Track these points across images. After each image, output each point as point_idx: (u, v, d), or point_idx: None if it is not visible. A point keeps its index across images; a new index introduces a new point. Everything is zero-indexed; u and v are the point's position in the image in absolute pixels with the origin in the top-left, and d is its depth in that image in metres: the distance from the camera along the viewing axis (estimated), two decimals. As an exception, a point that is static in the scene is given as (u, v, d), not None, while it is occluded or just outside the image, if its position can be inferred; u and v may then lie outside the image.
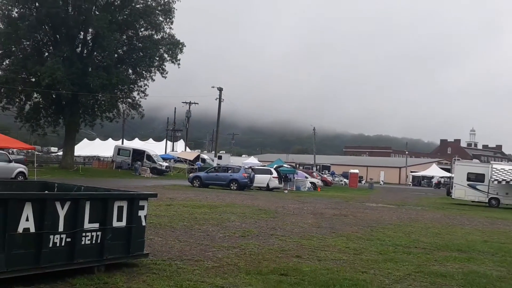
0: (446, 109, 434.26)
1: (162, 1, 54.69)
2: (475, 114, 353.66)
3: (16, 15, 50.73)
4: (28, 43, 52.31)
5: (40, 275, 7.72)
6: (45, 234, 7.71)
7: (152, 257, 10.02)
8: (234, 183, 39.68)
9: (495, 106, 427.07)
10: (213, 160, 64.76)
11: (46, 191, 10.41)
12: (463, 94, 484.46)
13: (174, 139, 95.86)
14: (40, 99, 53.11)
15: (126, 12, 53.99)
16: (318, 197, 37.96)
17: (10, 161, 33.78)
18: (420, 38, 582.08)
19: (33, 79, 50.62)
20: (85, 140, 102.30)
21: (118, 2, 54.08)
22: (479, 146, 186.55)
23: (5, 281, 7.24)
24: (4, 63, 51.26)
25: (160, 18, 54.82)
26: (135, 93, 55.73)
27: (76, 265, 8.21)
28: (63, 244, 8.00)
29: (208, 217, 18.35)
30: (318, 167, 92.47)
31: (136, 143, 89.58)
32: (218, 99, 65.53)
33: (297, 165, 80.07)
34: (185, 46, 55.72)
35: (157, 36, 55.18)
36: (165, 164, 63.09)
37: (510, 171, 41.08)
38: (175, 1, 54.98)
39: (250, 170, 43.29)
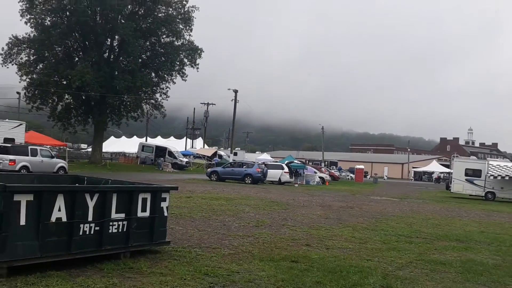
0: (445, 109, 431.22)
1: (182, 10, 54.75)
2: (473, 114, 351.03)
3: (49, 23, 51.00)
4: (59, 49, 52.58)
5: (71, 261, 7.78)
6: (76, 223, 7.76)
7: (173, 245, 10.05)
8: (248, 177, 39.68)
9: (491, 106, 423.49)
10: (229, 156, 64.73)
11: (77, 184, 10.48)
12: (461, 95, 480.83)
13: (193, 137, 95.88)
14: (71, 100, 53.37)
15: (149, 21, 54.13)
16: (326, 191, 37.87)
17: (52, 157, 34.09)
18: (420, 39, 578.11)
19: (65, 82, 50.85)
20: (112, 137, 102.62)
21: (142, 11, 54.26)
22: (477, 144, 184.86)
23: (40, 266, 7.31)
24: (38, 67, 51.54)
25: (180, 26, 54.88)
26: (157, 95, 55.87)
27: (104, 251, 8.26)
28: (92, 232, 8.05)
29: (224, 208, 18.38)
30: (326, 163, 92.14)
31: (158, 141, 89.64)
32: (233, 100, 65.57)
33: (307, 161, 79.74)
34: (203, 51, 55.79)
35: (177, 42, 55.25)
36: (185, 159, 63.15)
37: (505, 167, 40.78)
38: (194, 10, 55.11)
39: (263, 165, 43.28)
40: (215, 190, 28.32)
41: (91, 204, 8.04)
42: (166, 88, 55.79)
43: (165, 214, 9.48)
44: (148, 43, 55.41)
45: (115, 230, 8.43)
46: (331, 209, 21.53)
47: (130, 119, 55.93)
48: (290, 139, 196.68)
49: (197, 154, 72.51)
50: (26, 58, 50.70)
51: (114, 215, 8.39)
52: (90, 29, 50.57)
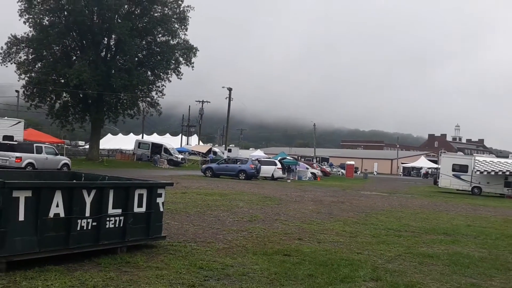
0: (434, 107, 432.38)
1: (178, 10, 54.70)
2: (460, 111, 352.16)
3: (47, 23, 50.84)
4: (57, 48, 52.43)
5: (69, 255, 7.76)
6: (74, 219, 7.73)
7: (169, 239, 10.04)
8: (242, 173, 39.68)
9: (478, 104, 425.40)
10: (223, 153, 64.69)
11: (74, 180, 10.44)
12: (449, 93, 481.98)
13: (188, 134, 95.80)
14: (69, 98, 53.24)
15: (145, 20, 54.05)
16: (317, 186, 37.92)
17: (56, 154, 34.39)
18: (410, 41, 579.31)
19: (62, 80, 50.71)
20: (109, 134, 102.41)
21: (138, 11, 54.16)
22: (463, 140, 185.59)
23: (38, 261, 7.29)
24: (36, 66, 51.39)
25: (176, 25, 54.85)
26: (153, 93, 55.89)
27: (101, 246, 8.24)
28: (89, 227, 8.03)
29: (219, 203, 18.37)
30: (318, 159, 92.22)
31: (154, 138, 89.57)
32: (228, 98, 65.42)
33: (299, 157, 79.78)
34: (198, 50, 55.81)
35: (173, 41, 55.21)
36: (180, 156, 63.11)
37: (491, 162, 41.02)
38: (189, 10, 55.07)
39: (256, 161, 43.31)
40: (209, 186, 28.30)
41: (88, 200, 8.01)
42: (162, 86, 55.88)
43: (161, 209, 9.46)
44: (144, 42, 55.35)
45: (112, 226, 8.41)
46: (323, 204, 21.56)
47: (127, 116, 55.89)
48: (283, 136, 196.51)
49: (192, 150, 72.48)
50: (25, 57, 50.61)
51: (111, 210, 8.37)
52: (88, 29, 50.44)
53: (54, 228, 7.51)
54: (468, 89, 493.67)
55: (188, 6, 54.92)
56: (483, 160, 41.88)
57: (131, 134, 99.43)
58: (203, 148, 75.36)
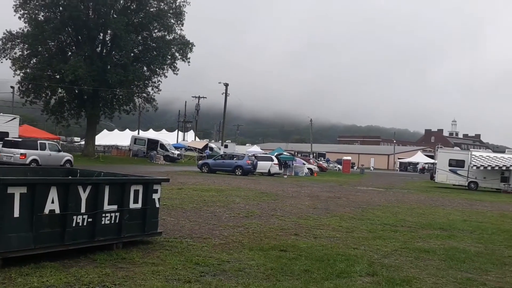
0: (430, 102, 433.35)
1: (174, 5, 54.47)
2: (457, 107, 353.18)
3: (42, 18, 50.57)
4: (53, 43, 52.18)
5: (65, 252, 7.75)
6: (69, 215, 7.72)
7: (165, 235, 10.04)
8: (239, 169, 39.68)
9: (474, 99, 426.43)
10: (220, 149, 64.70)
11: (70, 177, 10.42)
12: (446, 89, 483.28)
13: (184, 130, 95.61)
14: (64, 94, 53.05)
15: (141, 15, 53.81)
16: (314, 182, 37.96)
17: (59, 151, 34.67)
18: (408, 37, 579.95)
19: (58, 76, 50.51)
20: (105, 130, 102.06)
21: (134, 6, 53.92)
22: (460, 135, 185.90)
23: (34, 257, 7.28)
24: (31, 62, 51.17)
25: (172, 21, 54.65)
26: (149, 88, 55.67)
27: (97, 242, 8.24)
28: (85, 224, 8.02)
29: (215, 199, 18.37)
30: (314, 154, 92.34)
31: (150, 133, 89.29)
32: (224, 94, 65.42)
33: (296, 153, 79.87)
34: (194, 46, 55.66)
35: (169, 37, 55.00)
36: (176, 152, 63.03)
37: (487, 157, 41.12)
38: (185, 5, 54.86)
39: (253, 157, 43.28)
40: (206, 181, 28.30)
41: (84, 196, 8.00)
42: (158, 82, 55.65)
43: (157, 205, 9.46)
44: (140, 38, 55.12)
45: (108, 222, 8.41)
46: (319, 200, 21.59)
47: (123, 112, 55.74)
48: (280, 132, 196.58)
49: (188, 146, 72.34)
50: (20, 52, 50.38)
51: (106, 206, 8.36)
52: (83, 24, 50.20)
53: (50, 225, 7.50)
54: (465, 85, 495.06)
55: (184, 1, 54.71)
56: (480, 155, 41.98)
57: (127, 130, 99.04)
58: (200, 144, 75.22)
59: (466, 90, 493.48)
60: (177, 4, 54.45)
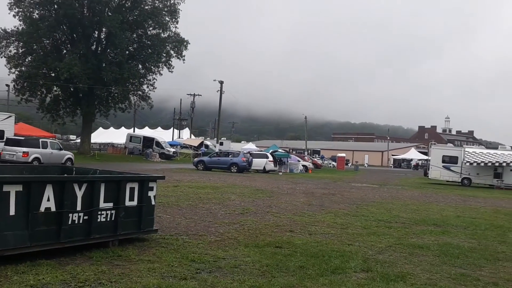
0: (424, 99, 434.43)
1: (168, 3, 54.36)
2: (450, 103, 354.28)
3: (37, 16, 50.38)
4: (48, 41, 52.00)
5: (61, 249, 7.73)
6: (65, 213, 7.69)
7: (161, 233, 10.02)
8: (234, 166, 39.68)
9: (467, 96, 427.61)
10: (215, 146, 64.60)
11: (65, 174, 10.39)
12: (439, 86, 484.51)
13: (180, 127, 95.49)
14: (60, 92, 52.89)
15: (136, 13, 53.68)
16: (309, 178, 38.00)
17: (60, 149, 35.13)
18: (401, 34, 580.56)
19: (53, 74, 50.38)
20: (100, 128, 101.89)
21: (129, 4, 53.78)
22: (453, 132, 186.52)
23: (30, 255, 7.25)
24: (26, 60, 51.00)
25: (167, 18, 54.55)
26: (144, 86, 55.58)
27: (93, 240, 8.21)
28: (81, 221, 7.99)
29: (211, 196, 18.36)
30: (309, 151, 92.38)
31: (146, 131, 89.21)
32: (219, 91, 65.29)
33: (291, 150, 79.84)
34: (189, 43, 55.57)
35: (164, 34, 54.92)
36: (172, 149, 62.92)
37: (481, 154, 41.24)
38: (180, 3, 54.75)
39: (248, 154, 43.29)
40: (201, 179, 28.28)
41: (79, 193, 7.97)
42: (153, 80, 55.59)
43: (153, 203, 9.44)
44: (135, 35, 55.02)
45: (104, 219, 8.38)
46: (314, 196, 21.61)
47: (118, 110, 55.63)
48: (275, 129, 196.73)
49: (184, 144, 72.28)
50: (15, 51, 50.20)
51: (102, 204, 8.33)
52: (78, 22, 50.04)
53: (45, 222, 7.47)
54: (459, 82, 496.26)
55: (178, -1, 54.62)
56: (473, 152, 42.12)
57: (123, 127, 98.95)
58: (195, 141, 75.20)
59: (460, 87, 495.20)
60: (172, 2, 54.36)
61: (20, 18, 49.21)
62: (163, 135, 77.18)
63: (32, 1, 49.61)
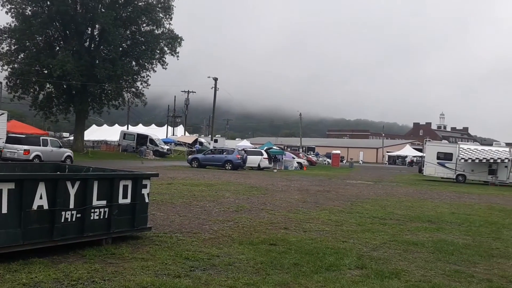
0: (418, 96, 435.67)
1: (162, -1, 54.20)
2: (445, 100, 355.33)
3: (30, 13, 50.09)
4: (40, 38, 51.71)
5: (54, 248, 7.71)
6: (58, 211, 7.67)
7: (154, 230, 10.02)
8: (228, 163, 39.67)
9: (462, 93, 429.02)
10: (209, 143, 64.54)
11: (58, 172, 10.35)
12: (434, 83, 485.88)
13: (174, 125, 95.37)
14: (52, 89, 52.64)
15: (129, 9, 53.46)
16: (304, 176, 38.03)
17: (60, 147, 35.64)
18: (397, 31, 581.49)
19: (46, 71, 50.11)
20: (94, 126, 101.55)
21: (122, 0, 53.53)
22: (448, 129, 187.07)
23: (22, 253, 7.23)
24: (19, 57, 50.71)
25: (160, 15, 54.36)
26: (138, 83, 55.37)
27: (86, 238, 8.19)
28: (73, 219, 7.97)
29: (205, 194, 18.35)
30: (304, 148, 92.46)
31: (140, 128, 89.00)
32: (213, 88, 65.27)
33: (285, 147, 79.87)
34: (183, 40, 55.39)
35: (157, 31, 54.72)
36: (166, 147, 62.84)
37: (475, 150, 41.37)
38: (173, -1, 54.57)
39: (243, 152, 43.28)
40: (196, 176, 28.26)
41: (72, 191, 7.95)
42: (146, 77, 55.39)
43: (146, 200, 9.42)
44: (128, 32, 54.82)
45: (97, 217, 8.36)
46: (309, 193, 21.64)
47: (111, 107, 55.47)
48: (269, 126, 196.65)
49: (178, 141, 72.19)
50: (7, 47, 49.89)
51: (95, 202, 8.31)
52: (71, 18, 49.79)
53: (38, 220, 7.44)
54: (453, 79, 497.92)
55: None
56: (468, 148, 42.24)
57: (116, 125, 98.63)
58: (189, 138, 75.09)
59: (454, 84, 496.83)
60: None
61: (13, 14, 48.91)
62: (157, 133, 77.09)
63: (24, -2, 49.34)
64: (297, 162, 52.74)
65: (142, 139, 61.56)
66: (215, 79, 64.86)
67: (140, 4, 53.49)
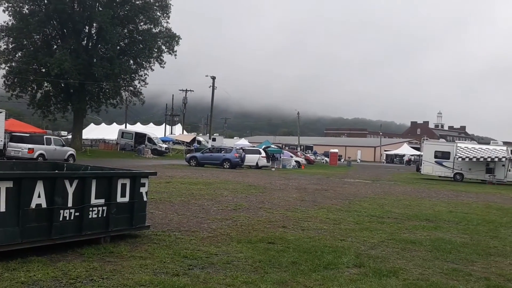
0: (416, 95, 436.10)
1: (159, -2, 54.13)
2: (442, 99, 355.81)
3: (27, 11, 50.04)
4: (38, 37, 51.63)
5: (52, 246, 7.70)
6: (56, 209, 7.66)
7: (153, 229, 10.01)
8: (226, 162, 39.66)
9: (459, 92, 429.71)
10: (207, 142, 64.55)
11: (56, 171, 10.34)
12: (431, 81, 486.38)
13: (172, 123, 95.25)
14: (50, 88, 52.56)
15: (127, 8, 53.42)
16: (302, 174, 38.05)
17: (63, 145, 35.80)
18: (393, 30, 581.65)
19: (43, 70, 50.06)
20: (92, 124, 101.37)
21: (119, -1, 53.49)
22: (445, 127, 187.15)
23: (21, 252, 7.22)
24: (17, 56, 50.65)
25: (158, 13, 54.33)
26: (136, 82, 55.38)
27: (84, 236, 8.19)
28: (72, 218, 7.96)
29: (203, 192, 18.35)
30: (302, 147, 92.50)
31: (138, 127, 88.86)
32: (211, 87, 65.22)
33: (283, 146, 79.91)
34: (181, 39, 55.42)
35: (155, 29, 54.70)
36: (164, 145, 62.80)
37: (473, 149, 41.43)
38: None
39: (241, 150, 43.28)
40: (194, 175, 28.25)
41: (70, 190, 7.94)
42: (144, 75, 55.41)
43: (145, 199, 9.41)
44: (126, 31, 54.76)
45: (95, 216, 8.35)
46: (307, 192, 21.65)
47: (109, 106, 55.43)
48: (267, 125, 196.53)
49: (176, 140, 72.12)
50: (5, 46, 49.83)
51: (93, 200, 8.31)
52: (68, 17, 49.74)
53: (36, 219, 7.44)
54: (450, 78, 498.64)
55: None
56: (465, 147, 42.30)
57: (114, 123, 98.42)
58: (187, 137, 75.00)
59: (452, 83, 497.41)
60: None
61: (10, 13, 48.83)
62: (155, 131, 76.99)
63: (22, -4, 49.25)
64: (295, 161, 52.74)
65: (140, 137, 61.51)
66: (213, 78, 64.81)
67: (137, 2, 53.48)
